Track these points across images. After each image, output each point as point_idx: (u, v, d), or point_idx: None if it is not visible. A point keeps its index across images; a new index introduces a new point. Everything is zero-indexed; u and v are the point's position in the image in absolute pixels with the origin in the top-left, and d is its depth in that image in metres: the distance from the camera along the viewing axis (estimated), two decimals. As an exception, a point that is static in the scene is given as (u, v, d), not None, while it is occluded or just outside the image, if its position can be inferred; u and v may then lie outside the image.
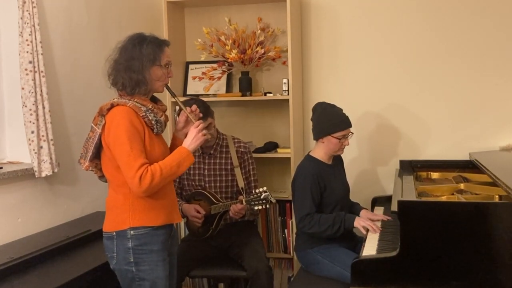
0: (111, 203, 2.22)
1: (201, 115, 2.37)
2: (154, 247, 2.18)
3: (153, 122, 2.17)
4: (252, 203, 2.81)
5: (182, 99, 2.93)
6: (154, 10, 3.67)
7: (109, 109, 2.13)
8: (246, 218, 3.09)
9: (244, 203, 2.86)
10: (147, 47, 2.16)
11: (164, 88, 2.27)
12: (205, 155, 3.14)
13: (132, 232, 2.15)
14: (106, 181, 2.27)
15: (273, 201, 2.82)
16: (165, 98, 3.61)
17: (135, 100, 2.16)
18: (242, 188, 3.06)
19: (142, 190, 2.07)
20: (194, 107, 2.37)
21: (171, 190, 2.31)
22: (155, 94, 2.32)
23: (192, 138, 2.22)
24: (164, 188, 2.19)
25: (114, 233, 2.17)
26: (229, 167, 3.12)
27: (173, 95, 2.33)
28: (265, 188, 2.83)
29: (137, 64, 2.14)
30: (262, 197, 2.80)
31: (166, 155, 2.20)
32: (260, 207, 2.81)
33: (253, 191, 2.89)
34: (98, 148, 2.18)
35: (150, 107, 2.18)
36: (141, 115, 2.13)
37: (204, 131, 2.24)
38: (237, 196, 3.06)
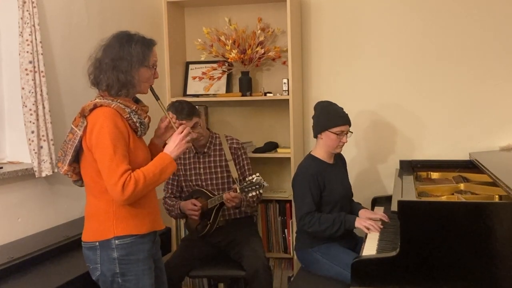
0: (92, 210, 2.12)
1: (184, 122, 2.29)
2: (140, 256, 2.10)
3: (137, 124, 2.09)
4: (246, 189, 2.81)
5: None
6: (154, 10, 3.67)
7: (91, 110, 2.04)
8: (243, 209, 3.10)
9: (238, 191, 2.86)
10: (136, 47, 2.08)
11: (148, 90, 2.18)
12: (199, 154, 3.16)
13: (117, 241, 2.06)
14: (81, 185, 2.19)
15: (266, 184, 2.81)
16: (164, 98, 3.62)
17: (118, 101, 2.07)
18: (235, 179, 3.08)
19: (124, 198, 1.98)
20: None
21: (154, 197, 2.23)
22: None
23: (175, 145, 2.14)
24: (148, 194, 2.11)
25: (97, 243, 2.07)
26: (223, 163, 3.15)
27: (156, 98, 2.21)
28: (257, 174, 2.83)
29: (126, 64, 2.06)
30: (254, 181, 2.80)
31: (149, 159, 2.13)
32: (254, 193, 2.81)
33: (246, 179, 2.89)
34: (78, 151, 2.08)
35: (134, 108, 2.10)
36: (125, 117, 2.05)
37: (187, 138, 2.16)
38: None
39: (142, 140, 2.20)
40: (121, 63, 2.06)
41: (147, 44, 2.13)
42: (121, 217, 2.07)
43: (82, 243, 2.14)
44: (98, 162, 2.01)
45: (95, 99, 2.10)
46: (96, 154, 2.01)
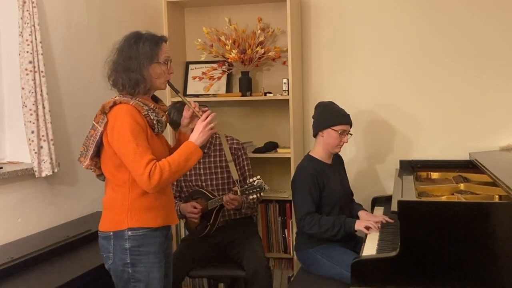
0: (109, 202, 2.20)
1: (206, 108, 2.34)
2: (151, 248, 2.16)
3: (154, 121, 2.16)
4: (247, 192, 2.82)
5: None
6: (154, 10, 3.67)
7: (111, 107, 2.11)
8: (243, 211, 3.10)
9: (239, 193, 2.86)
10: (144, 45, 2.15)
11: (166, 85, 2.26)
12: None
13: (129, 233, 2.13)
14: (103, 180, 2.26)
15: (267, 187, 2.82)
16: (164, 98, 3.61)
17: (137, 99, 2.15)
18: (236, 180, 3.08)
19: (151, 186, 2.05)
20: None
21: (169, 192, 2.30)
22: (157, 93, 2.31)
23: (199, 133, 2.21)
24: (163, 189, 2.17)
25: (111, 233, 2.15)
26: (223, 164, 3.14)
27: (176, 91, 2.32)
28: (258, 177, 2.83)
29: (135, 63, 2.13)
30: (255, 184, 2.80)
31: (166, 155, 2.18)
32: (255, 196, 2.82)
33: (247, 181, 2.89)
34: (99, 147, 2.17)
35: (152, 106, 2.18)
36: (143, 113, 2.12)
37: (211, 125, 2.23)
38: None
39: (161, 137, 2.27)
40: (131, 63, 2.13)
41: (155, 41, 2.19)
42: (135, 210, 2.14)
43: (99, 232, 2.21)
44: (122, 157, 2.08)
45: (115, 97, 2.17)
46: (119, 149, 2.08)
